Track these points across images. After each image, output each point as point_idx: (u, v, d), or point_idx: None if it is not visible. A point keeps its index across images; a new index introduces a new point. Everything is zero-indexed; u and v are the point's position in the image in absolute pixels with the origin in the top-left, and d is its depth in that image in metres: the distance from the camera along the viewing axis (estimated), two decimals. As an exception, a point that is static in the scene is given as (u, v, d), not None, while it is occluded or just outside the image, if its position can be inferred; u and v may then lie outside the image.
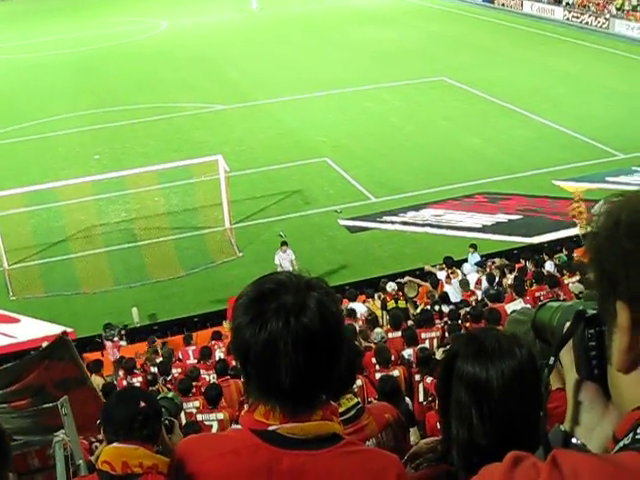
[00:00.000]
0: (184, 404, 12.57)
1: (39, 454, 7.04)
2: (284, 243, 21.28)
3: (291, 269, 19.84)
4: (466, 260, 19.92)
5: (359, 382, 9.67)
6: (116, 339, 18.55)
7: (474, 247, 20.41)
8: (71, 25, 65.32)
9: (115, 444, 4.26)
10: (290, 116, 35.71)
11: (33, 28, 66.14)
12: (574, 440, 1.82)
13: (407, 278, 18.80)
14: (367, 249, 23.31)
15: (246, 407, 2.63)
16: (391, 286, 17.90)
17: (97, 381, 14.21)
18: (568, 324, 1.84)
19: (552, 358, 1.87)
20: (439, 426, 3.44)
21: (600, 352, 1.75)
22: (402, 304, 17.40)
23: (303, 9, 64.59)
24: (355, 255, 22.97)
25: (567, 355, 1.85)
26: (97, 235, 25.15)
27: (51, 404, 6.86)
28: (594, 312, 1.77)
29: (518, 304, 14.58)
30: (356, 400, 4.03)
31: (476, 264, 19.71)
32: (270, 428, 2.49)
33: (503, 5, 61.97)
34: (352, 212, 25.34)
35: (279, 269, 19.96)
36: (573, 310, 1.87)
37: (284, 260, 20.82)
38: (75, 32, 61.97)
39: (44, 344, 9.49)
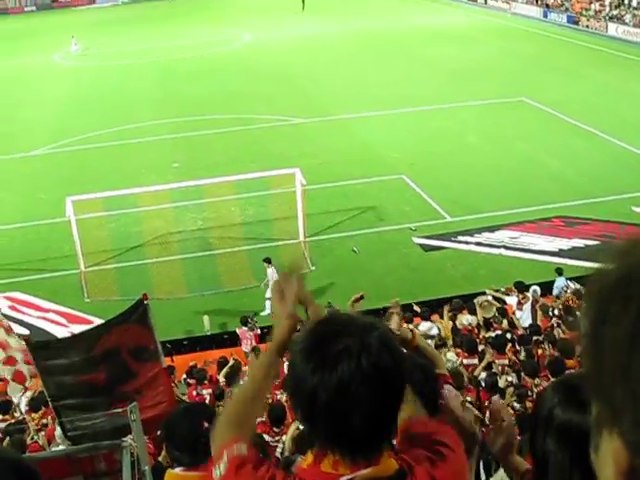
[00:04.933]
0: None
1: (107, 458, 7.12)
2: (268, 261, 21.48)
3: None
4: (538, 284, 19.57)
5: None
6: (256, 329, 18.90)
7: (560, 272, 20.00)
8: (158, 34, 66.61)
9: (178, 470, 4.25)
10: (368, 132, 35.70)
11: (123, 36, 67.66)
12: None
13: (484, 298, 18.54)
14: (440, 268, 23.12)
15: (300, 458, 2.55)
16: (468, 319, 17.51)
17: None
18: None
19: None
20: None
21: None
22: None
23: (383, 27, 64.61)
24: (428, 274, 22.82)
25: None
26: (173, 242, 25.41)
27: (120, 409, 6.96)
28: None
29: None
30: None
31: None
32: (343, 479, 2.39)
33: (587, 27, 61.29)
34: (427, 230, 25.18)
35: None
36: None
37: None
38: (162, 41, 63.20)
39: None
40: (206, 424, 4.24)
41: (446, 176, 29.55)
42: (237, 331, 19.14)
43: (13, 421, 14.00)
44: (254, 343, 18.33)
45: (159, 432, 9.67)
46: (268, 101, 41.98)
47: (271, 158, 31.00)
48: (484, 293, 18.90)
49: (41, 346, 8.93)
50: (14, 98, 47.97)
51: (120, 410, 6.92)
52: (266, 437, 11.27)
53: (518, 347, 14.63)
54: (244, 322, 19.04)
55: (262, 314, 20.74)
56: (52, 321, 20.72)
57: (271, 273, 21.18)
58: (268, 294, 21.21)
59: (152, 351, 8.80)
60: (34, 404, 14.62)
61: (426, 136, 34.69)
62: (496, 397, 11.62)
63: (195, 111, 40.58)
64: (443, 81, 44.49)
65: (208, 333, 20.32)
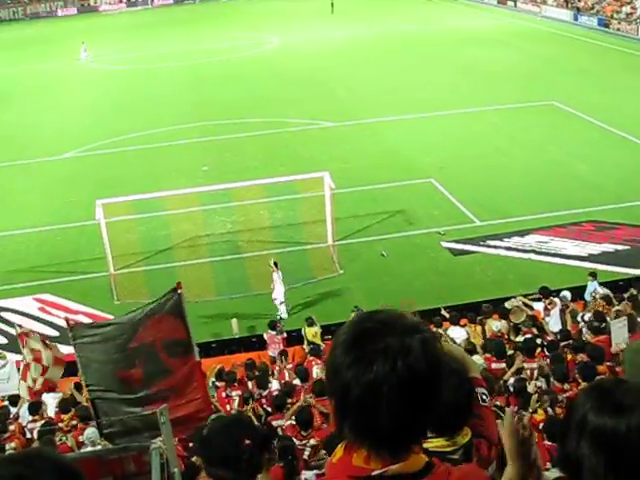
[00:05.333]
0: (279, 421, 12.65)
1: (136, 459, 7.14)
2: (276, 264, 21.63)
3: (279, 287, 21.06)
4: (568, 289, 19.39)
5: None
6: (284, 333, 18.87)
7: (594, 276, 19.81)
8: (188, 37, 66.95)
9: None
10: (397, 136, 35.65)
11: (153, 39, 68.18)
12: None
13: (514, 303, 18.37)
14: (469, 273, 23.03)
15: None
16: (497, 325, 17.39)
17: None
18: None
19: None
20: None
21: None
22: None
23: (412, 30, 64.58)
24: (457, 278, 22.72)
25: None
26: (201, 245, 25.50)
27: (150, 411, 7.00)
28: None
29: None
30: (469, 437, 3.85)
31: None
32: (375, 473, 2.43)
33: (618, 30, 60.83)
34: (456, 234, 25.09)
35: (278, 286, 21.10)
36: None
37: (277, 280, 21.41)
38: (191, 45, 63.50)
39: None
40: (247, 440, 4.13)
41: (475, 180, 29.44)
42: (265, 336, 19.07)
43: (44, 422, 14.11)
44: (282, 347, 18.33)
45: (191, 445, 9.70)
46: (297, 105, 42.04)
47: (300, 162, 31.06)
48: (513, 298, 18.77)
49: (81, 328, 9.01)
50: (46, 101, 48.40)
51: (150, 412, 6.96)
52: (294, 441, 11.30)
53: (547, 352, 14.55)
54: (272, 326, 19.00)
55: (278, 315, 21.11)
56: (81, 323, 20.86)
57: (276, 278, 21.26)
58: (275, 295, 21.29)
59: (186, 344, 8.86)
60: (64, 406, 14.74)
61: (455, 140, 34.58)
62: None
63: (224, 115, 40.70)
64: (473, 84, 44.34)
65: (236, 336, 20.35)
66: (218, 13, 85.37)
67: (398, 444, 2.44)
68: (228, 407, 14.30)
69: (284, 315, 21.25)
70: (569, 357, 13.95)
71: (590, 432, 2.62)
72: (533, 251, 23.67)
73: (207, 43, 64.15)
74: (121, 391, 8.56)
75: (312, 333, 18.43)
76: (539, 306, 18.25)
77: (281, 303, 21.39)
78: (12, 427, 14.01)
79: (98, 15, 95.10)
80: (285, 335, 18.99)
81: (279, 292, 21.34)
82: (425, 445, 3.60)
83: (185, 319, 8.95)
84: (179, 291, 8.90)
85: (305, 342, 18.52)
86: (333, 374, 2.42)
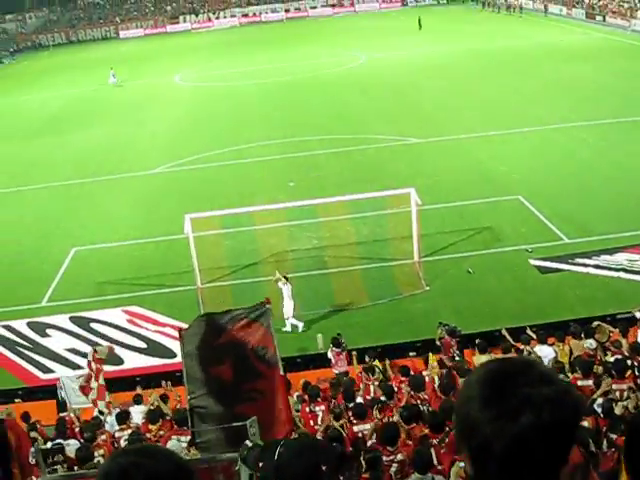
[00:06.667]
0: (360, 426, 12.64)
1: (225, 469, 7.22)
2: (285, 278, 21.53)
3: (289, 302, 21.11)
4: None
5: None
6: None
7: None
8: (274, 56, 67.65)
9: None
10: (484, 152, 35.39)
11: (241, 57, 69.11)
12: None
13: (596, 323, 18.10)
14: (557, 291, 22.69)
15: None
16: (592, 344, 17.05)
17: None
18: None
19: None
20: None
21: None
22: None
23: (499, 46, 64.16)
24: (545, 296, 22.40)
25: None
26: (288, 260, 25.60)
27: (240, 423, 7.07)
28: None
29: None
30: None
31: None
32: None
33: None
34: (544, 252, 24.76)
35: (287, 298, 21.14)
36: None
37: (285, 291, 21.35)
38: (279, 62, 64.16)
39: None
40: (323, 467, 3.96)
41: (564, 197, 29.01)
42: (329, 354, 18.73)
43: (131, 431, 14.37)
44: (347, 364, 18.15)
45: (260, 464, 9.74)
46: (384, 121, 42.11)
47: (387, 178, 31.01)
48: (603, 317, 18.47)
49: (188, 334, 9.18)
50: (137, 118, 49.47)
51: (241, 424, 7.04)
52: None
53: (637, 373, 14.27)
54: (337, 344, 18.58)
55: (283, 329, 21.06)
56: (168, 335, 21.21)
57: (286, 291, 21.19)
58: (284, 310, 21.19)
59: (272, 354, 8.97)
60: (152, 416, 14.98)
61: (545, 156, 34.15)
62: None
63: (312, 131, 40.98)
64: (561, 100, 43.77)
65: (322, 351, 20.36)
66: (305, 31, 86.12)
67: None
68: (312, 422, 14.30)
69: (287, 328, 21.35)
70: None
71: None
72: (623, 269, 23.23)
73: (295, 60, 64.78)
74: (214, 391, 8.70)
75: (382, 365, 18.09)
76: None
77: (287, 318, 21.41)
78: (103, 437, 14.31)
79: (188, 34, 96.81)
80: (347, 352, 18.71)
81: (288, 307, 21.34)
82: None
83: (272, 333, 9.06)
84: (268, 305, 9.02)
85: (377, 372, 17.90)
86: (469, 430, 2.34)
